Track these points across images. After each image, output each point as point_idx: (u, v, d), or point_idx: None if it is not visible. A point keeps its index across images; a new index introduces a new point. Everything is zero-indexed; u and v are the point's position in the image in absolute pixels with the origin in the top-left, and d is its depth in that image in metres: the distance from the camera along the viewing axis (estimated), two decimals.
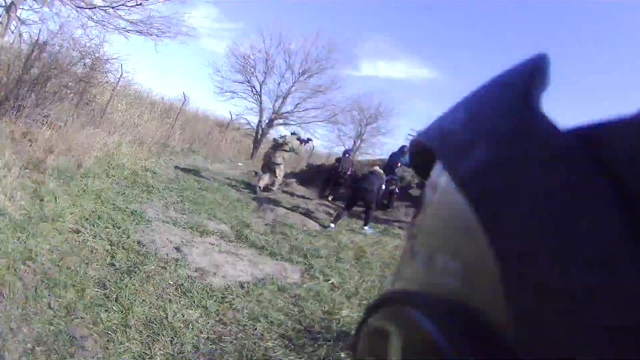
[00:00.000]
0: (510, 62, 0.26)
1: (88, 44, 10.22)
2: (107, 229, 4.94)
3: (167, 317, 3.44)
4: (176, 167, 10.62)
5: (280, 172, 10.35)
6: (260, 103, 22.74)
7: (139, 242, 4.81)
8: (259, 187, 10.07)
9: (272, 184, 10.37)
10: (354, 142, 33.60)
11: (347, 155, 11.61)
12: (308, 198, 10.60)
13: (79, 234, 4.60)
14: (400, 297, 0.27)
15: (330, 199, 10.89)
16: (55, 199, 5.27)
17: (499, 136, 0.22)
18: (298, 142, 10.54)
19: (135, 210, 5.84)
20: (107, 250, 4.44)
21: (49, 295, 3.41)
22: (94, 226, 4.92)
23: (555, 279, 0.17)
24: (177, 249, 4.84)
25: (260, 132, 22.14)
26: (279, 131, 31.78)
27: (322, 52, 23.06)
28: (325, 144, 31.21)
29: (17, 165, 5.69)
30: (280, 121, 23.02)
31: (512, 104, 0.23)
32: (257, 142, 21.74)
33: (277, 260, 5.19)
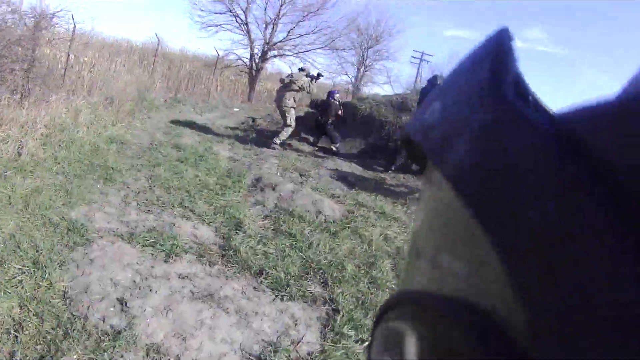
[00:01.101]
0: None
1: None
2: (22, 273, 3.16)
3: None
4: (154, 129, 8.70)
5: (291, 117, 8.81)
6: (249, 33, 20.19)
7: (64, 295, 3.05)
8: (275, 142, 8.71)
9: (280, 133, 8.84)
10: (358, 69, 31.42)
11: (331, 98, 9.66)
12: (320, 155, 8.74)
13: None
14: (413, 298, 0.27)
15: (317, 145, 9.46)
16: None
17: (476, 131, 0.22)
18: (307, 78, 8.86)
19: (76, 221, 4.05)
20: (11, 322, 2.70)
21: None
22: (3, 266, 3.15)
23: (564, 277, 0.17)
24: (122, 302, 3.07)
25: (254, 67, 19.82)
26: (275, 64, 29.36)
27: None
28: (327, 74, 28.97)
29: None
30: (275, 52, 20.60)
31: (481, 94, 0.23)
32: (253, 80, 19.55)
33: (282, 298, 3.41)
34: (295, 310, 3.28)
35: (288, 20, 20.46)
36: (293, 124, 8.80)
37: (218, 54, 17.06)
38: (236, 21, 20.09)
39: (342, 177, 7.01)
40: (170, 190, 5.32)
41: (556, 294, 0.17)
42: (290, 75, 8.91)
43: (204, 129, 9.61)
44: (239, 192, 5.59)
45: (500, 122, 0.21)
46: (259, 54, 20.04)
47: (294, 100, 8.76)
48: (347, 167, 7.75)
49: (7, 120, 5.90)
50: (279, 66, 39.85)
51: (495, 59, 0.23)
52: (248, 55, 20.19)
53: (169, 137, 8.16)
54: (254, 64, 19.83)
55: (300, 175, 6.77)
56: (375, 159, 8.69)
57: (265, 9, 20.16)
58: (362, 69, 31.96)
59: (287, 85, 8.69)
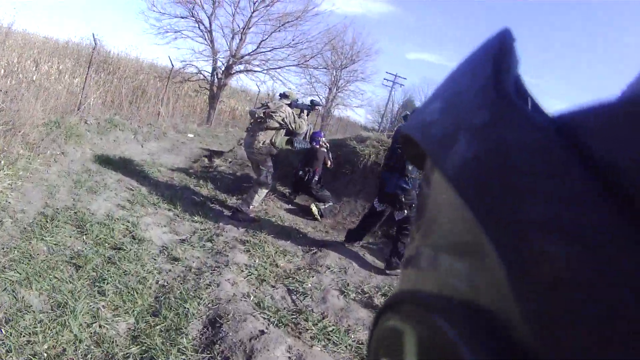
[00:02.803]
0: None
1: None
2: None
3: None
4: (62, 175, 5.63)
5: (267, 170, 5.72)
6: (212, 43, 17.00)
7: None
8: (241, 209, 5.60)
9: (248, 194, 5.73)
10: (330, 90, 28.96)
11: (315, 143, 6.81)
12: (313, 238, 5.05)
13: None
14: (412, 298, 0.26)
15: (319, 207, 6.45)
16: None
17: (477, 129, 0.22)
18: (291, 110, 5.75)
19: None
20: None
21: None
22: None
23: (564, 276, 0.17)
24: None
25: (216, 82, 16.81)
26: (240, 81, 26.13)
27: None
28: (298, 92, 26.20)
29: None
30: (241, 67, 17.64)
31: (484, 92, 0.23)
32: (214, 98, 16.49)
33: None
34: None
35: (259, 30, 17.55)
36: (269, 180, 5.76)
37: (172, 65, 14.01)
38: (199, 28, 16.92)
39: (360, 291, 4.11)
40: None
41: (559, 294, 0.16)
42: (266, 105, 5.76)
43: (137, 175, 6.58)
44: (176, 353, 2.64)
45: (502, 120, 0.21)
46: (223, 68, 17.01)
47: (272, 144, 5.73)
48: (357, 260, 4.86)
49: None
50: (246, 83, 36.68)
51: (497, 58, 0.23)
52: (210, 69, 17.14)
53: (77, 195, 5.12)
54: (216, 79, 16.79)
55: (290, 292, 3.84)
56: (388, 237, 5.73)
57: (233, 16, 17.11)
58: (334, 90, 29.48)
59: (260, 120, 5.64)
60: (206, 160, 8.62)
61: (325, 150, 6.76)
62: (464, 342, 0.20)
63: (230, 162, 8.44)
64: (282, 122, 5.58)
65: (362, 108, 30.20)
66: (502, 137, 0.20)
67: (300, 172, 6.60)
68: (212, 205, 5.96)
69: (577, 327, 0.16)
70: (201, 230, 4.90)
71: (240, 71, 17.52)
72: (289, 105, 5.76)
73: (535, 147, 0.19)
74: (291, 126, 5.67)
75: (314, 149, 6.70)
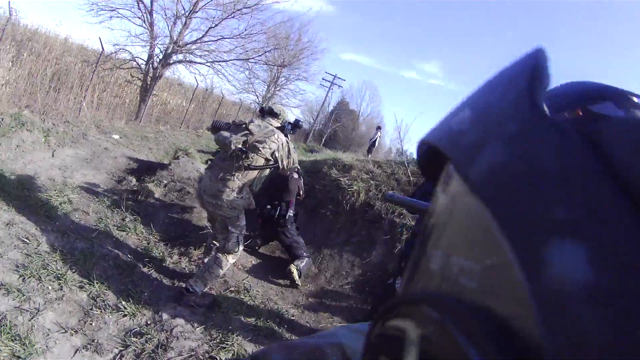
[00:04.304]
0: None
1: None
2: None
3: None
4: None
5: (238, 232, 3.77)
6: (152, 27, 14.48)
7: None
8: (193, 288, 3.68)
9: (208, 269, 3.73)
10: (268, 87, 27.14)
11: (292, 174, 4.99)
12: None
13: None
14: (419, 299, 0.26)
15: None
16: None
17: (508, 138, 0.23)
18: (284, 138, 3.80)
19: None
20: None
21: None
22: None
23: (584, 281, 0.17)
24: None
25: (151, 72, 14.55)
26: (177, 72, 23.59)
27: None
28: (232, 88, 24.07)
29: None
30: (181, 56, 15.42)
31: (517, 104, 0.23)
32: (146, 91, 14.23)
33: None
34: None
35: (207, 16, 15.17)
36: (240, 246, 3.86)
37: (103, 48, 11.75)
38: (138, 7, 14.35)
39: None
40: None
41: (576, 299, 0.16)
42: (246, 128, 3.74)
43: (38, 212, 4.58)
44: None
45: (534, 131, 0.22)
46: (161, 56, 14.74)
47: (249, 191, 3.80)
48: None
49: None
50: (183, 75, 33.78)
51: (532, 74, 0.24)
52: (145, 56, 14.76)
53: None
54: (151, 69, 14.52)
55: None
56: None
57: None
58: (272, 88, 27.64)
59: (238, 155, 3.62)
60: (134, 180, 6.65)
61: (297, 176, 5.10)
62: (471, 343, 0.19)
63: (165, 186, 6.49)
64: (270, 158, 3.72)
65: (299, 109, 28.56)
66: (532, 147, 0.21)
67: (268, 207, 4.95)
68: (145, 268, 4.13)
69: (593, 333, 0.16)
70: (135, 336, 3.08)
71: (180, 61, 15.33)
72: (280, 128, 3.86)
73: (566, 157, 0.19)
74: (282, 163, 3.80)
75: (282, 177, 4.90)
